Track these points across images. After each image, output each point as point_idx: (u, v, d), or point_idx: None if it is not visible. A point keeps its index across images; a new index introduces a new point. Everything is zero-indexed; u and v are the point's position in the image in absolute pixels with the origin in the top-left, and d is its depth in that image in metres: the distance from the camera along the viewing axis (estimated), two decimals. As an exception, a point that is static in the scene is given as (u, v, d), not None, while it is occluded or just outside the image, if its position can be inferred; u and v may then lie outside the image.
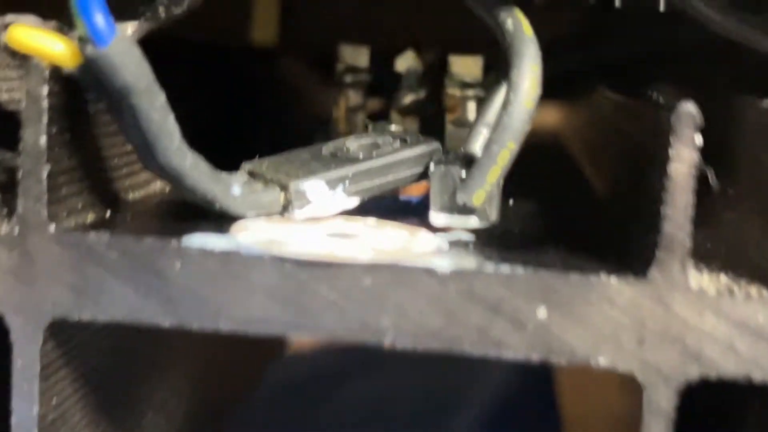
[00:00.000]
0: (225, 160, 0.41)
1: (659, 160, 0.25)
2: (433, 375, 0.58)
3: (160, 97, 0.26)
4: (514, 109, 0.27)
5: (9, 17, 0.27)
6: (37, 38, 0.26)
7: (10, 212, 0.29)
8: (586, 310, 0.25)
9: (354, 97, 0.43)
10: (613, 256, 0.27)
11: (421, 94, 0.42)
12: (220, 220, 0.29)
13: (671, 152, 0.25)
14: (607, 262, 0.27)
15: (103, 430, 0.32)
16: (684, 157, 0.24)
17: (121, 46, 0.25)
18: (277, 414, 0.53)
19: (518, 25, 0.28)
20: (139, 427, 0.35)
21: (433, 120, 0.42)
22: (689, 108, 0.24)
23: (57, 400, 0.28)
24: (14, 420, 0.27)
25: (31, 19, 0.27)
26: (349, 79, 0.43)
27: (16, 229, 0.26)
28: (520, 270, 0.25)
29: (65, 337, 0.28)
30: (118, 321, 0.26)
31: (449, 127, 0.40)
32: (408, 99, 0.42)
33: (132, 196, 0.32)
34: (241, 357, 0.51)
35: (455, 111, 0.40)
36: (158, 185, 0.34)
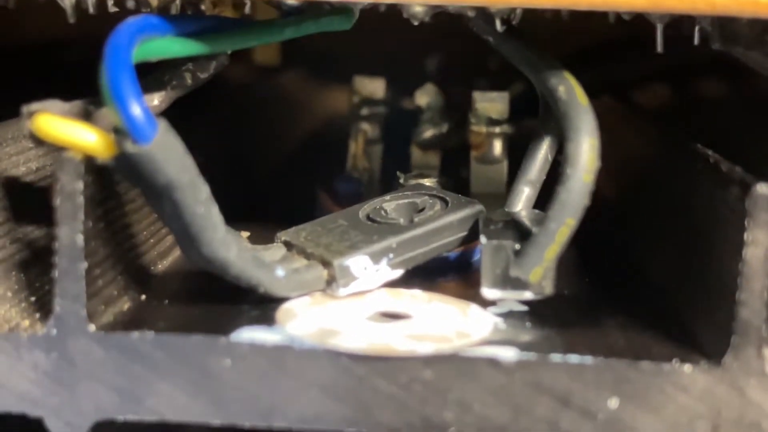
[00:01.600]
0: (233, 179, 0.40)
1: (730, 242, 0.24)
2: None
3: (205, 190, 0.24)
4: (572, 185, 0.26)
5: (34, 105, 0.25)
6: (67, 129, 0.25)
7: (40, 300, 0.27)
8: (659, 399, 0.24)
9: (371, 131, 0.41)
10: (676, 335, 0.26)
11: (443, 128, 0.40)
12: (262, 302, 0.27)
13: (746, 236, 0.23)
14: (675, 346, 0.26)
15: None
16: (760, 241, 0.23)
17: (164, 141, 0.23)
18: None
19: (572, 92, 0.26)
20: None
21: (455, 154, 0.40)
22: (765, 189, 0.23)
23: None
24: None
25: (57, 105, 0.25)
26: (365, 111, 0.41)
27: (54, 331, 0.25)
28: (589, 359, 0.24)
29: (108, 435, 0.27)
30: (166, 421, 0.25)
31: (474, 164, 0.39)
32: (429, 133, 0.40)
33: (161, 265, 0.31)
34: None
35: (481, 148, 0.38)
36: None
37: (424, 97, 0.40)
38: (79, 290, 0.25)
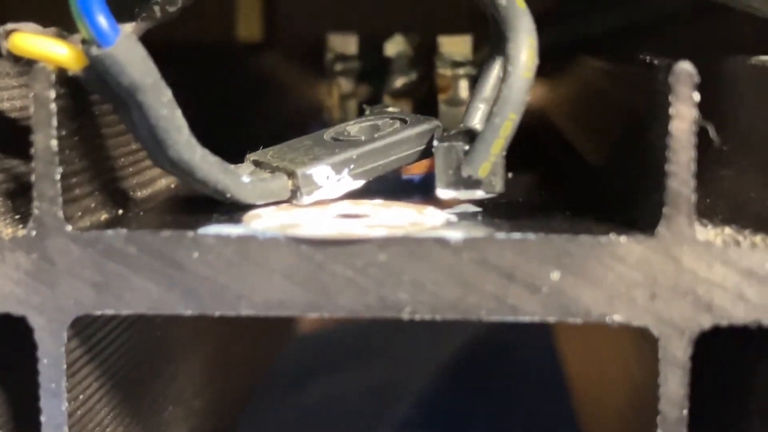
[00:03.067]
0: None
1: (659, 120, 0.26)
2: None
3: (167, 93, 0.26)
4: (513, 81, 0.27)
5: (10, 25, 0.27)
6: (40, 43, 0.27)
7: (23, 217, 0.29)
8: (598, 270, 0.26)
9: (345, 85, 0.43)
10: (617, 217, 0.28)
11: (413, 76, 0.42)
12: (230, 212, 0.29)
13: (671, 111, 0.25)
14: (614, 224, 0.27)
15: (127, 424, 0.32)
16: (684, 114, 0.25)
17: (126, 44, 0.25)
18: (287, 401, 0.54)
19: (511, -2, 0.28)
20: (160, 421, 0.36)
21: (425, 101, 0.42)
22: (686, 66, 0.25)
23: (83, 396, 0.28)
24: (44, 418, 0.27)
25: (31, 26, 0.27)
26: (339, 67, 0.44)
27: (33, 232, 0.27)
28: (531, 235, 0.26)
29: (87, 333, 0.28)
30: (141, 314, 0.27)
31: (442, 107, 0.40)
32: (400, 82, 0.42)
33: (140, 194, 0.33)
34: (250, 347, 0.51)
35: (447, 90, 0.40)
36: (163, 183, 0.35)
37: (393, 47, 0.42)
38: (55, 192, 0.26)
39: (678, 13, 0.46)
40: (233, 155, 0.36)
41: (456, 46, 0.40)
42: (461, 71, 0.40)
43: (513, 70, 0.28)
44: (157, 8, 0.31)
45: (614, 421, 0.38)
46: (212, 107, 0.45)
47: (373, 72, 0.43)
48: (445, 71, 0.40)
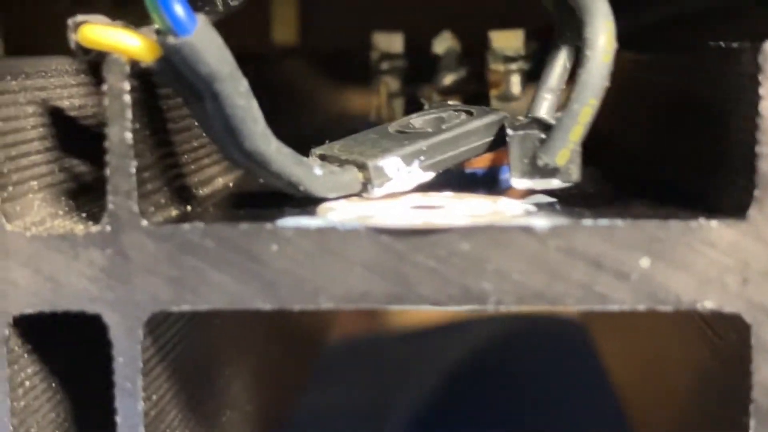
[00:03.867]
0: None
1: (744, 102, 0.25)
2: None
3: (244, 82, 0.26)
4: (592, 65, 0.27)
5: (80, 17, 0.27)
6: (112, 34, 0.26)
7: (89, 216, 0.29)
8: (688, 256, 0.25)
9: (392, 84, 0.43)
10: (703, 199, 0.27)
11: (462, 73, 0.42)
12: (301, 205, 0.29)
13: (762, 91, 0.25)
14: (701, 208, 0.27)
15: (192, 427, 0.32)
16: (776, 94, 0.25)
17: (204, 32, 0.25)
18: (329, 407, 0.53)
19: (586, -18, 0.28)
20: (220, 426, 0.35)
21: (476, 99, 0.42)
22: (775, 45, 0.25)
23: (156, 396, 0.28)
24: (120, 418, 0.26)
25: (101, 17, 0.27)
26: (385, 66, 0.43)
27: (108, 227, 0.26)
28: (619, 222, 0.25)
29: (161, 331, 0.28)
30: (219, 309, 0.26)
31: (494, 103, 0.40)
32: (449, 80, 0.42)
33: (202, 192, 0.32)
34: (291, 353, 0.50)
35: (499, 86, 0.40)
36: (221, 181, 0.34)
37: (442, 44, 0.42)
38: (130, 186, 0.26)
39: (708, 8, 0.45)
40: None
41: (508, 40, 0.39)
42: (513, 66, 0.39)
43: (592, 54, 0.27)
44: (220, 2, 0.31)
45: (673, 413, 0.37)
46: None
47: (420, 70, 0.43)
48: (497, 66, 0.40)
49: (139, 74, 0.27)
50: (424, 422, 0.53)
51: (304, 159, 0.28)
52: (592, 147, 0.29)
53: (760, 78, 0.25)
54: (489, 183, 0.33)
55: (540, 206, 0.28)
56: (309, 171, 0.28)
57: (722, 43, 0.29)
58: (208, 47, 0.25)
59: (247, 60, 0.50)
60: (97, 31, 0.26)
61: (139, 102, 0.27)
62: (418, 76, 0.43)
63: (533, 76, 0.39)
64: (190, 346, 0.31)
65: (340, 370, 0.57)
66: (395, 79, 0.43)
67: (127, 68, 0.26)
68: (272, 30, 0.53)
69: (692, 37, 0.46)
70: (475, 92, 0.42)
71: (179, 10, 0.25)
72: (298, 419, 0.50)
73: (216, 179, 0.34)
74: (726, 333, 0.28)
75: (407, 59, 0.43)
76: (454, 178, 0.32)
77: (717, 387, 0.30)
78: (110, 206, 0.26)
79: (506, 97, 0.40)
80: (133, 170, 0.26)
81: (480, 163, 0.33)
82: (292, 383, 0.51)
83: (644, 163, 0.37)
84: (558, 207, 0.28)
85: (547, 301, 0.26)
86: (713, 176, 0.28)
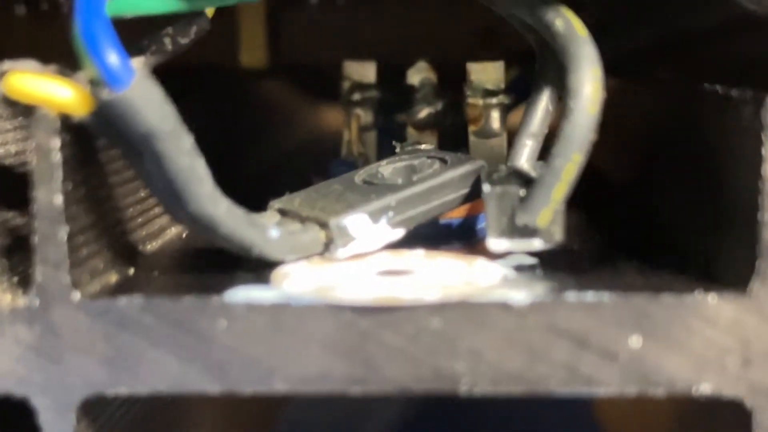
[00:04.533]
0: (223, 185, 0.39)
1: (746, 160, 0.23)
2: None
3: (188, 140, 0.23)
4: (576, 117, 0.24)
5: (6, 64, 0.24)
6: (41, 86, 0.23)
7: (23, 278, 0.26)
8: (684, 334, 0.23)
9: (364, 116, 0.40)
10: (698, 268, 0.25)
11: (438, 106, 0.39)
12: (255, 267, 0.26)
13: (765, 152, 0.22)
14: (696, 277, 0.24)
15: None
16: (780, 155, 0.22)
17: (141, 87, 0.22)
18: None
19: (569, 24, 0.25)
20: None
21: (453, 133, 0.39)
22: (781, 100, 0.22)
23: (94, 483, 0.25)
24: None
25: (30, 64, 0.24)
26: (356, 97, 0.40)
27: (37, 301, 0.23)
28: (606, 296, 0.23)
29: (100, 412, 0.25)
30: (160, 392, 0.24)
31: (472, 139, 0.37)
32: (424, 113, 0.39)
33: (150, 247, 0.29)
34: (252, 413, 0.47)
35: (478, 121, 0.37)
36: (173, 231, 0.32)
37: (417, 75, 0.39)
38: (60, 255, 0.23)
39: (705, 31, 0.43)
40: (240, 184, 0.33)
41: (487, 73, 0.37)
42: (494, 101, 0.37)
43: (576, 105, 0.24)
44: (168, 40, 0.28)
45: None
46: (216, 134, 0.42)
47: (393, 102, 0.40)
48: (475, 101, 0.37)
49: (73, 127, 0.24)
50: None
51: (259, 220, 0.26)
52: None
53: (763, 137, 0.22)
54: (465, 235, 0.30)
55: (519, 269, 0.26)
56: (263, 233, 0.25)
57: (720, 90, 0.26)
58: (146, 102, 0.22)
59: (213, 81, 0.47)
60: (24, 82, 0.23)
61: (72, 158, 0.24)
62: (391, 108, 0.40)
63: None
64: (136, 420, 0.28)
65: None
66: (368, 111, 0.40)
67: (58, 124, 0.23)
68: (240, 53, 0.51)
69: (687, 57, 0.43)
70: (453, 125, 0.39)
71: (113, 59, 0.22)
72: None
73: (167, 230, 0.31)
74: (725, 419, 0.25)
75: (380, 90, 0.40)
76: (427, 229, 0.30)
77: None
78: (39, 278, 0.23)
79: (486, 134, 0.37)
80: (64, 237, 0.23)
81: (455, 213, 0.30)
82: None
83: (634, 205, 0.35)
84: (539, 271, 0.26)
85: (526, 384, 0.23)
86: (711, 236, 0.26)
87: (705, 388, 0.23)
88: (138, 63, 0.27)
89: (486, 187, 0.26)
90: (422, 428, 0.51)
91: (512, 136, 0.31)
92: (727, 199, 0.24)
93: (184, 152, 0.23)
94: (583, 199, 0.28)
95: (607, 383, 0.23)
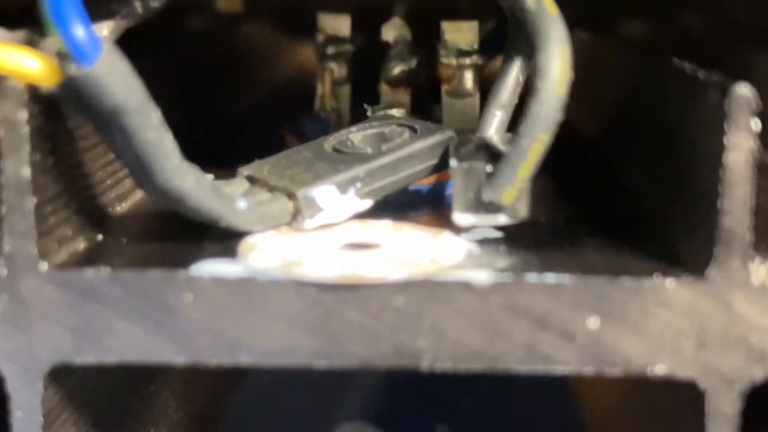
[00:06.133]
0: (197, 130, 0.39)
1: (711, 147, 0.23)
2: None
3: (155, 115, 0.23)
4: (544, 97, 0.24)
5: (-28, 31, 0.24)
6: (8, 56, 0.23)
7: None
8: (641, 316, 0.23)
9: (338, 70, 0.40)
10: (656, 247, 0.25)
11: (412, 63, 0.39)
12: (223, 233, 0.26)
13: (726, 141, 0.22)
14: (655, 259, 0.25)
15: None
16: (741, 145, 0.22)
17: (109, 62, 0.22)
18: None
19: (540, 2, 0.25)
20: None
21: (426, 91, 0.39)
22: (744, 91, 0.22)
23: (62, 447, 0.26)
24: (19, 475, 0.24)
25: (-2, 31, 0.24)
26: (331, 50, 0.40)
27: (4, 271, 0.24)
28: (566, 278, 0.23)
29: (67, 380, 0.25)
30: (127, 362, 0.24)
31: (445, 99, 0.37)
32: (398, 70, 0.39)
33: (120, 208, 0.30)
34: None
35: (451, 81, 0.37)
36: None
37: (391, 31, 0.39)
38: (28, 226, 0.23)
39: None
40: (215, 128, 0.32)
41: (461, 33, 0.37)
42: (467, 61, 0.37)
43: (543, 85, 0.25)
44: (138, 4, 0.28)
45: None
46: (192, 79, 0.42)
47: (368, 57, 0.40)
48: (449, 60, 0.37)
49: (40, 98, 0.24)
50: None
51: (226, 191, 0.26)
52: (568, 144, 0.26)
53: (726, 126, 0.22)
54: (434, 201, 0.31)
55: (483, 243, 0.26)
56: (231, 205, 0.25)
57: (687, 68, 0.26)
58: (114, 78, 0.22)
59: (190, 26, 0.47)
60: (-10, 51, 0.23)
61: (40, 129, 0.24)
62: (365, 64, 0.40)
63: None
64: (98, 396, 0.28)
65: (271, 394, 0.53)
66: (342, 65, 0.40)
67: (26, 96, 0.23)
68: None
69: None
70: (427, 83, 0.39)
71: (80, 33, 0.22)
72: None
73: (136, 191, 0.31)
74: (679, 399, 0.26)
75: (355, 44, 0.40)
76: (396, 196, 0.30)
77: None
78: (6, 247, 0.24)
79: (459, 93, 0.37)
80: (32, 209, 0.23)
81: (425, 180, 0.31)
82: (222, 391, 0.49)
83: (603, 168, 0.35)
84: (503, 246, 0.26)
85: (486, 361, 0.24)
86: (673, 217, 0.26)
87: (660, 369, 0.23)
88: (108, 30, 0.27)
89: (453, 162, 0.26)
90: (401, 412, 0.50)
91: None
92: (690, 182, 0.25)
93: (151, 127, 0.23)
94: (555, 152, 0.28)
95: (564, 362, 0.23)
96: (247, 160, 0.29)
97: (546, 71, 0.25)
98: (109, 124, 0.23)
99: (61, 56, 0.22)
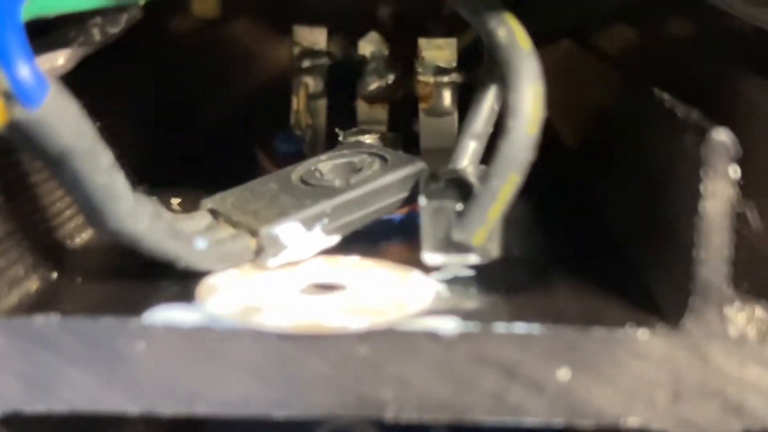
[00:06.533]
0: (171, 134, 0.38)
1: (687, 192, 0.22)
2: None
3: (106, 157, 0.22)
4: (515, 138, 0.23)
5: None
6: (-48, 93, 0.22)
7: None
8: (613, 368, 0.22)
9: (314, 84, 0.39)
10: (634, 295, 0.24)
11: (390, 79, 0.38)
12: (182, 278, 0.25)
13: (703, 188, 0.21)
14: (630, 306, 0.24)
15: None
16: (718, 193, 0.21)
17: (56, 104, 0.21)
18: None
19: (512, 36, 0.24)
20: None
21: (404, 109, 0.38)
22: (723, 136, 0.21)
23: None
24: None
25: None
26: (306, 63, 0.39)
27: (-50, 317, 0.23)
28: (536, 328, 0.22)
29: (17, 428, 0.24)
30: (78, 411, 0.23)
31: (423, 117, 0.36)
32: (374, 85, 0.38)
33: (79, 239, 0.28)
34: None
35: (429, 99, 0.36)
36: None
37: (368, 46, 0.38)
38: (-26, 272, 0.22)
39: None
40: (192, 131, 0.31)
41: (439, 50, 0.36)
42: (445, 79, 0.36)
43: (514, 124, 0.24)
44: (96, 31, 0.27)
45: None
46: (169, 83, 0.41)
47: (344, 72, 0.39)
48: (427, 78, 0.36)
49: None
50: None
51: (186, 229, 0.25)
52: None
53: (702, 173, 0.21)
54: (405, 231, 0.30)
55: (452, 283, 0.25)
56: (189, 246, 0.24)
57: (667, 102, 0.25)
58: (61, 120, 0.21)
59: (163, 31, 0.46)
60: (-67, 88, 0.22)
61: (-12, 167, 0.23)
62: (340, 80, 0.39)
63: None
64: None
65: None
66: (317, 79, 0.39)
67: (-31, 135, 0.22)
68: (192, 1, 0.49)
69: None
70: (404, 99, 0.38)
71: (25, 73, 0.21)
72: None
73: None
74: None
75: (331, 57, 0.39)
76: (368, 225, 0.29)
77: None
78: (-48, 293, 0.23)
79: (436, 112, 0.36)
80: (-22, 253, 0.22)
81: (397, 210, 0.30)
82: None
83: (582, 189, 0.34)
84: (472, 288, 0.25)
85: (453, 412, 0.23)
86: (649, 260, 0.25)
87: (633, 421, 0.22)
88: (64, 59, 0.26)
89: (422, 201, 0.25)
90: None
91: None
92: (666, 225, 0.24)
93: (101, 170, 0.22)
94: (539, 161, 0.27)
95: (534, 414, 0.23)
96: (219, 171, 0.28)
97: (517, 110, 0.24)
98: (58, 166, 0.22)
99: (7, 97, 0.21)
